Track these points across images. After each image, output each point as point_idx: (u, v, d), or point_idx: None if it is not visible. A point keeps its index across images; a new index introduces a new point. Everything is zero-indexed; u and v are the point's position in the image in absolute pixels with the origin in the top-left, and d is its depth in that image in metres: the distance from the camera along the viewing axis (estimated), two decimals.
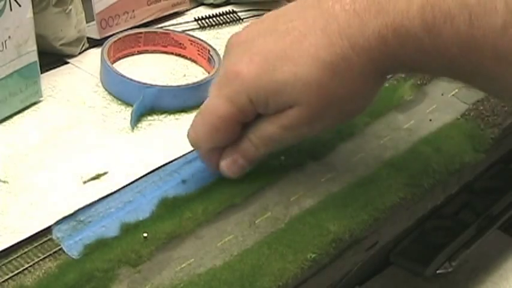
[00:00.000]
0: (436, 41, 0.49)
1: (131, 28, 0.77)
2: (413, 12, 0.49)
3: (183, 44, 0.76)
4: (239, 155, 0.58)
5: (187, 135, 0.59)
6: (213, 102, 0.56)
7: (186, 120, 0.68)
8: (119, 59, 0.75)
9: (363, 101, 0.57)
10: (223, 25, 0.84)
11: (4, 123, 0.65)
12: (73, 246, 0.54)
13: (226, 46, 0.58)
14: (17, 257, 0.53)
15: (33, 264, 0.53)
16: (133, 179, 0.61)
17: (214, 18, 0.84)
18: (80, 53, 0.75)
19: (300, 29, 0.54)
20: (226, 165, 0.58)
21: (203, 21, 0.83)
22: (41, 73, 0.68)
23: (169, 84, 0.71)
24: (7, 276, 0.51)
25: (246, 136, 0.57)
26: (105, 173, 0.61)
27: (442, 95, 0.75)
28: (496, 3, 0.45)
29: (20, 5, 0.62)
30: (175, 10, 0.83)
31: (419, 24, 0.49)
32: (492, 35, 0.46)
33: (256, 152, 0.58)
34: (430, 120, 0.71)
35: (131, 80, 0.69)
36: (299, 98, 0.54)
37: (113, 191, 0.59)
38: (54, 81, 0.71)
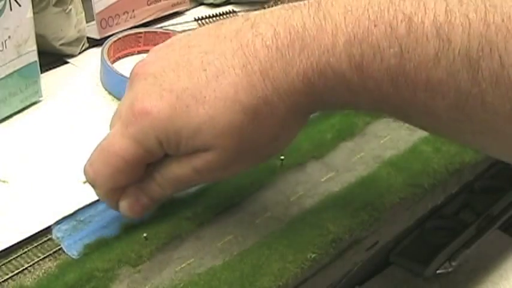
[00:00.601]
0: (366, 78, 0.45)
1: (131, 28, 0.77)
2: (339, 48, 0.45)
3: None
4: (143, 195, 0.53)
5: (84, 171, 0.53)
6: (117, 141, 0.51)
7: None
8: (119, 59, 0.75)
9: (283, 143, 0.52)
10: None
11: (4, 123, 0.65)
12: (73, 246, 0.54)
13: (130, 75, 0.52)
14: (17, 257, 0.53)
15: (33, 264, 0.53)
16: None
17: (214, 18, 0.84)
18: (80, 53, 0.75)
19: (217, 64, 0.48)
20: (128, 205, 0.53)
21: (203, 21, 0.83)
22: (41, 73, 0.68)
23: None
24: (7, 276, 0.51)
25: (152, 176, 0.52)
26: None
27: None
28: (427, 32, 0.42)
29: (20, 5, 0.62)
30: (175, 10, 0.83)
31: (347, 61, 0.45)
32: (424, 66, 0.43)
33: (162, 192, 0.53)
34: None
35: None
36: (215, 143, 0.49)
37: None
38: (54, 81, 0.71)
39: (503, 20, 0.40)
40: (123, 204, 0.53)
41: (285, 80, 0.47)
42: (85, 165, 0.53)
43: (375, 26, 0.44)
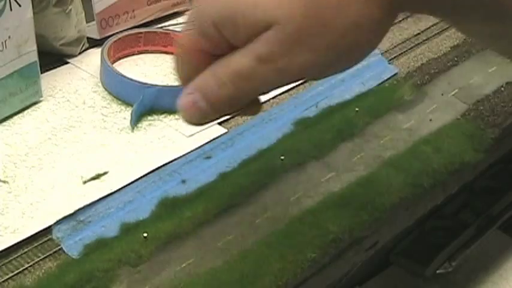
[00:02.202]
0: None
1: (131, 28, 0.77)
2: None
3: None
4: (199, 95, 0.45)
5: None
6: (182, 32, 0.46)
7: None
8: (119, 59, 0.75)
9: (366, 37, 0.43)
10: None
11: (4, 123, 0.65)
12: (73, 246, 0.54)
13: None
14: (17, 257, 0.53)
15: (33, 264, 0.53)
16: (133, 179, 0.61)
17: None
18: (80, 53, 0.75)
19: None
20: (183, 104, 0.46)
21: None
22: (41, 73, 0.68)
23: (169, 84, 0.71)
24: (7, 276, 0.51)
25: (211, 69, 0.44)
26: (105, 173, 0.61)
27: (442, 95, 0.75)
28: None
29: (20, 5, 0.62)
30: (175, 10, 0.83)
31: None
32: None
33: (220, 91, 0.44)
34: (430, 120, 0.71)
35: (131, 80, 0.69)
36: (277, 12, 0.41)
37: (113, 191, 0.59)
38: (54, 81, 0.71)
39: None
40: (179, 104, 0.46)
41: None
42: None
43: None
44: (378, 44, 0.44)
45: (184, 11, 0.85)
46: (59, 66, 0.74)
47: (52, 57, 0.73)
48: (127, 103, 0.69)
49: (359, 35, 0.42)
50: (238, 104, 0.46)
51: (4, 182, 0.59)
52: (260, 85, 0.44)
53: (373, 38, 0.43)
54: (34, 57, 0.66)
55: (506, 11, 0.41)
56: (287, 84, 0.46)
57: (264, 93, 0.46)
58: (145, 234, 0.54)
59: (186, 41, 0.45)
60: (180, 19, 0.83)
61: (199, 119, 0.46)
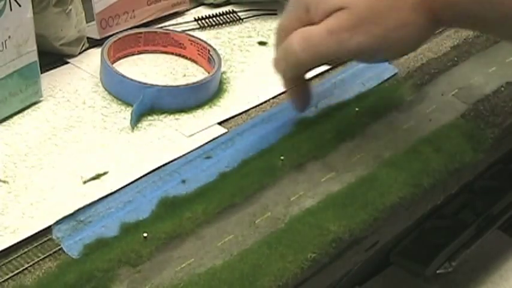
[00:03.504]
0: None
1: (131, 28, 0.77)
2: None
3: (183, 44, 0.76)
4: (282, 56, 0.62)
5: None
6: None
7: (186, 120, 0.68)
8: (119, 59, 0.75)
9: (410, 37, 0.58)
10: (223, 25, 0.84)
11: (4, 123, 0.65)
12: (73, 246, 0.54)
13: None
14: (17, 257, 0.53)
15: (33, 264, 0.53)
16: (133, 179, 0.61)
17: (214, 18, 0.84)
18: (80, 53, 0.75)
19: None
20: (274, 61, 0.63)
21: (203, 21, 0.83)
22: (41, 73, 0.68)
23: (169, 84, 0.71)
24: (7, 276, 0.52)
25: (291, 35, 0.60)
26: (105, 173, 0.61)
27: (442, 95, 0.75)
28: None
29: (20, 5, 0.62)
30: (175, 10, 0.83)
31: None
32: None
33: (295, 54, 0.60)
34: (430, 120, 0.71)
35: (131, 80, 0.69)
36: (348, 1, 0.57)
37: (113, 191, 0.59)
38: (54, 81, 0.71)
39: None
40: (273, 61, 0.63)
41: None
42: None
43: None
44: (417, 47, 0.61)
45: (184, 11, 0.85)
46: (59, 66, 0.74)
47: (52, 57, 0.73)
48: (127, 103, 0.69)
49: (404, 33, 0.57)
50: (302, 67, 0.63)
51: (4, 182, 0.59)
52: (322, 51, 0.59)
53: (415, 39, 0.59)
54: (34, 57, 0.66)
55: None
56: (338, 62, 0.70)
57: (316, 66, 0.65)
58: (145, 234, 0.54)
59: (285, 22, 0.61)
60: (180, 19, 0.83)
61: (283, 73, 0.64)
